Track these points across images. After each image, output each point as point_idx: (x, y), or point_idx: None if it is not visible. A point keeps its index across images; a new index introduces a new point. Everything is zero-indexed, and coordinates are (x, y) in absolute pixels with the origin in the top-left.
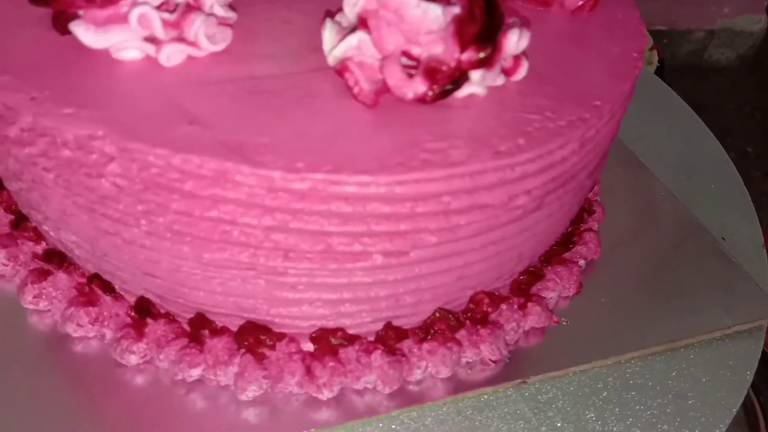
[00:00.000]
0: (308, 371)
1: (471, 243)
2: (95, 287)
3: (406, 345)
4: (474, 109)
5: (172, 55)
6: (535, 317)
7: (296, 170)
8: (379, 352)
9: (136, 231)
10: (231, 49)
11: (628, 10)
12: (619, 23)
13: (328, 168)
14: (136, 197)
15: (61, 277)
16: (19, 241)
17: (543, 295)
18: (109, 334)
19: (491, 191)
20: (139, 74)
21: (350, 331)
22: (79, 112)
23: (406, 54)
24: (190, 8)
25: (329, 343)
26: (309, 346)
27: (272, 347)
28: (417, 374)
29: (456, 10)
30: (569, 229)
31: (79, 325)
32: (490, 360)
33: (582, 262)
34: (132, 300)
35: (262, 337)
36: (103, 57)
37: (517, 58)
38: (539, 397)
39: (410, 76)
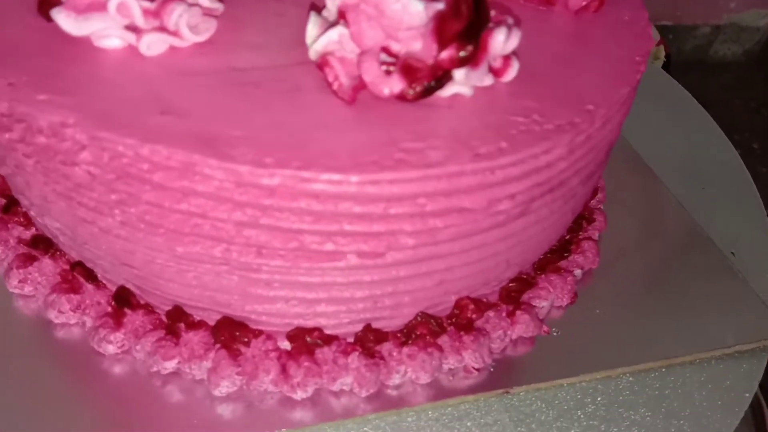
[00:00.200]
0: (283, 370)
1: (451, 247)
2: (78, 275)
3: (385, 348)
4: (458, 110)
5: (152, 45)
6: (523, 326)
7: (264, 165)
8: (357, 354)
9: (110, 221)
10: (217, 40)
11: (636, 12)
12: (625, 25)
13: (298, 164)
14: (109, 186)
15: (46, 263)
16: (9, 225)
17: (534, 304)
18: (89, 322)
19: (470, 194)
20: (119, 63)
21: (328, 332)
22: (53, 99)
23: (386, 50)
24: None
25: (306, 342)
26: (287, 345)
27: (247, 344)
28: (396, 378)
29: (439, 6)
30: (567, 237)
31: (60, 311)
32: (473, 368)
33: (578, 272)
34: (113, 289)
35: (237, 333)
36: (85, 45)
37: (507, 59)
38: (522, 408)
39: (388, 73)
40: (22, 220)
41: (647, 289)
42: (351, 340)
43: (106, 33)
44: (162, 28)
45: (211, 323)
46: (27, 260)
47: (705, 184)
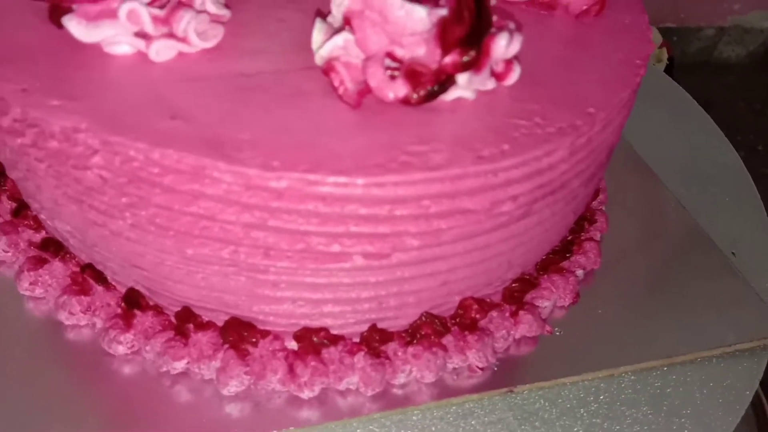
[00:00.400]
0: (291, 369)
1: (455, 248)
2: (88, 277)
3: (391, 348)
4: (461, 113)
5: (161, 51)
6: (526, 326)
7: (272, 168)
8: (363, 353)
9: (121, 223)
10: (223, 46)
11: (636, 16)
12: (626, 29)
13: (305, 167)
14: (120, 190)
15: (56, 266)
16: (19, 228)
17: (537, 304)
18: (99, 323)
19: (473, 196)
20: (128, 68)
21: (334, 332)
22: (66, 105)
23: (390, 55)
24: (180, 5)
25: (312, 342)
26: (294, 345)
27: (255, 344)
28: (401, 378)
29: (443, 12)
30: (569, 238)
31: (71, 313)
32: (477, 367)
33: (580, 272)
34: (123, 291)
35: (245, 334)
36: (95, 51)
37: (509, 63)
38: (525, 406)
39: (393, 77)
40: (32, 223)
41: (648, 289)
42: (357, 340)
43: (116, 40)
44: (171, 35)
45: (220, 324)
46: (37, 263)
47: (706, 185)
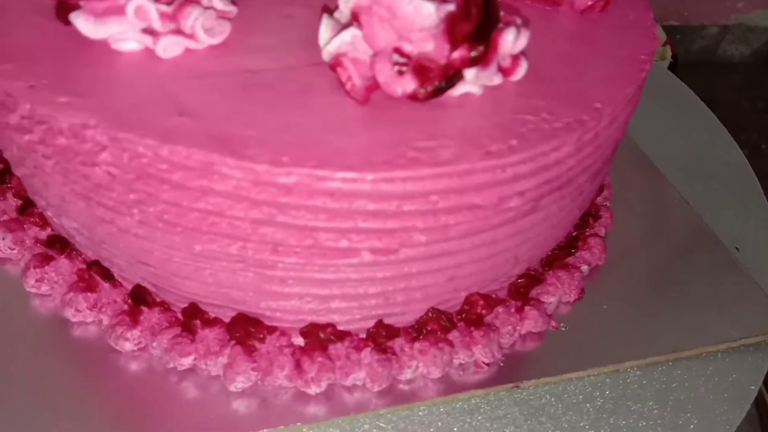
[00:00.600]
0: (297, 365)
1: (462, 243)
2: (94, 274)
3: (397, 343)
4: (468, 109)
5: (168, 47)
6: (532, 321)
7: (281, 164)
8: (369, 349)
9: (129, 220)
10: (230, 42)
11: (642, 12)
12: (631, 25)
13: (314, 163)
14: (128, 186)
15: (63, 263)
16: (25, 226)
17: (542, 300)
18: (106, 320)
19: (481, 192)
20: (136, 65)
21: (341, 328)
22: (74, 101)
23: (398, 51)
24: (188, 1)
25: (319, 338)
26: (300, 341)
27: (262, 340)
28: (407, 373)
29: (450, 7)
30: (574, 234)
31: (77, 310)
32: (483, 363)
33: (585, 268)
34: (129, 287)
35: (252, 330)
36: (103, 48)
37: (515, 58)
38: (532, 402)
39: (401, 73)
40: (37, 220)
41: (653, 285)
42: (363, 335)
43: (123, 36)
44: (178, 31)
45: (226, 320)
46: (44, 260)
47: (710, 182)
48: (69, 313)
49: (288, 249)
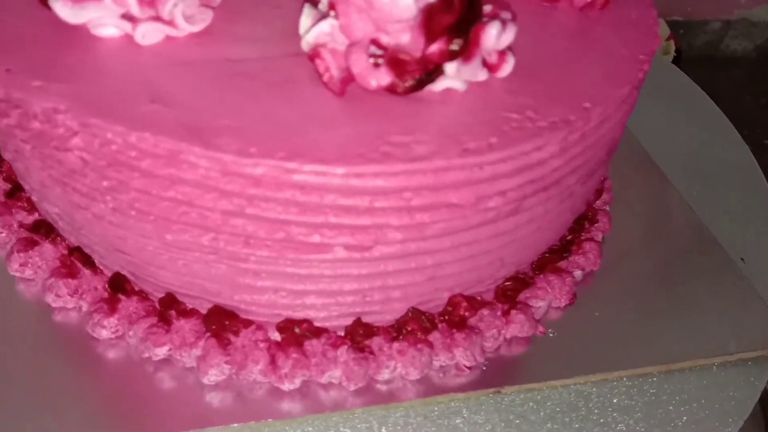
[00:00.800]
0: (272, 360)
1: (440, 243)
2: (75, 260)
3: (375, 342)
4: (450, 105)
5: (147, 34)
6: (518, 326)
7: (249, 155)
8: (346, 347)
9: (102, 207)
10: (213, 30)
11: (644, 10)
12: (632, 23)
13: (282, 155)
14: (100, 173)
15: (47, 248)
16: (13, 210)
17: (530, 304)
18: (85, 306)
19: (458, 190)
20: (114, 51)
21: (318, 324)
22: (47, 86)
23: (375, 43)
24: None
25: (294, 333)
26: (277, 336)
27: (237, 333)
28: (385, 374)
29: None
30: (568, 238)
31: (57, 295)
32: (465, 366)
33: (578, 273)
34: (110, 275)
35: (227, 323)
36: (83, 33)
37: (502, 54)
38: (513, 408)
39: (377, 65)
40: (25, 205)
41: (649, 292)
42: (341, 333)
43: (102, 22)
44: (157, 18)
45: (203, 312)
46: (28, 244)
47: (714, 178)
48: (50, 299)
49: (259, 242)
